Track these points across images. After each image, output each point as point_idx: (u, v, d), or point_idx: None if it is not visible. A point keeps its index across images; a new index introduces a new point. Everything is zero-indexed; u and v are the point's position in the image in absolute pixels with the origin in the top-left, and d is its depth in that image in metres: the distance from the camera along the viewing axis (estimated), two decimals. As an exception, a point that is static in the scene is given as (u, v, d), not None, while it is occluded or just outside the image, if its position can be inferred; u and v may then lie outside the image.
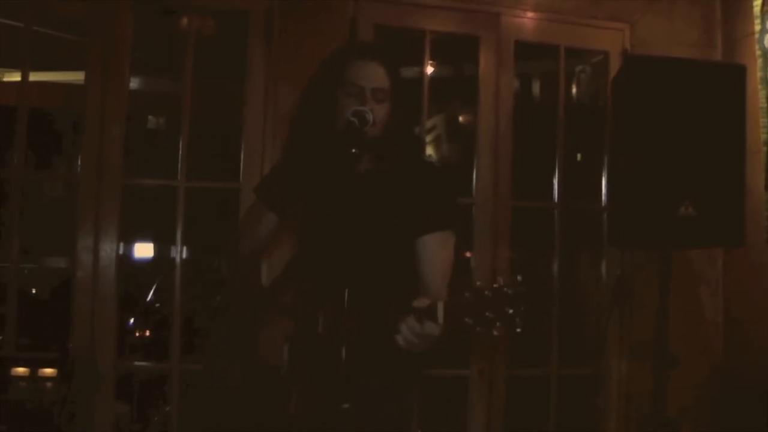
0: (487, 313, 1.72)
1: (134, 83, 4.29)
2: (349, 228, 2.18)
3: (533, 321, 1.77)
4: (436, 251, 2.26)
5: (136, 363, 4.29)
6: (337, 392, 2.05)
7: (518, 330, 1.73)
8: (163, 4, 4.01)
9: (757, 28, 3.80)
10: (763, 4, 3.77)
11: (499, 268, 3.90)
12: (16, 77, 4.15)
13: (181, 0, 3.85)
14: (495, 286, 1.73)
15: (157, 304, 5.30)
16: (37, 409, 3.34)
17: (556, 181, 4.09)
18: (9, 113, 3.64)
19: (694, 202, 3.30)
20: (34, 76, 3.69)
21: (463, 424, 3.94)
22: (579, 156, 4.71)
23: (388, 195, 2.29)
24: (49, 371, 3.42)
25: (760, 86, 3.76)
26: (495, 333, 1.72)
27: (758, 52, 3.79)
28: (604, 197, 4.15)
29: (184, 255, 3.76)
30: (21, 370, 3.38)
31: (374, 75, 2.32)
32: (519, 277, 1.75)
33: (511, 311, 1.71)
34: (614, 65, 4.09)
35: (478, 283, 1.78)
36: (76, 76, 4.19)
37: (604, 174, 4.15)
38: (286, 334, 2.14)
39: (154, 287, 5.39)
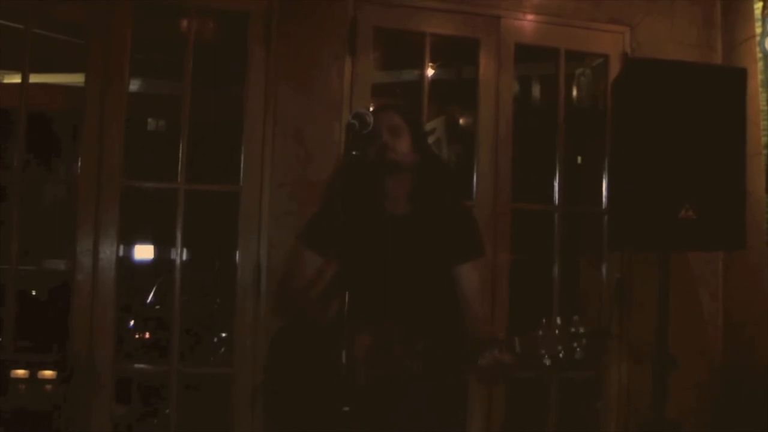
0: (558, 348, 2.15)
1: (134, 85, 4.29)
2: (391, 264, 2.53)
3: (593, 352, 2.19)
4: (472, 277, 2.64)
5: (136, 365, 4.28)
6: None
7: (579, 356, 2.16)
8: (163, 7, 4.01)
9: (758, 31, 3.80)
10: (763, 8, 3.77)
11: (499, 271, 3.91)
12: (16, 79, 4.15)
13: (180, 2, 3.85)
14: (559, 323, 2.16)
15: (157, 306, 5.30)
16: (36, 412, 3.34)
17: (556, 184, 4.09)
18: (9, 115, 3.64)
19: (694, 204, 3.30)
20: (34, 78, 3.69)
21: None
22: (579, 159, 4.71)
23: (423, 233, 2.60)
24: (48, 373, 3.42)
25: (760, 89, 3.76)
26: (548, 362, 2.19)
27: (759, 55, 3.79)
28: (604, 200, 4.14)
29: (184, 257, 3.76)
30: (20, 373, 3.38)
31: (388, 117, 2.64)
32: (576, 317, 2.16)
33: (575, 346, 2.14)
34: (614, 68, 4.09)
35: (544, 320, 2.19)
36: (76, 79, 4.19)
37: (604, 177, 4.14)
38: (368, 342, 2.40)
39: (153, 289, 5.40)
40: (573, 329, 2.14)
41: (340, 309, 2.32)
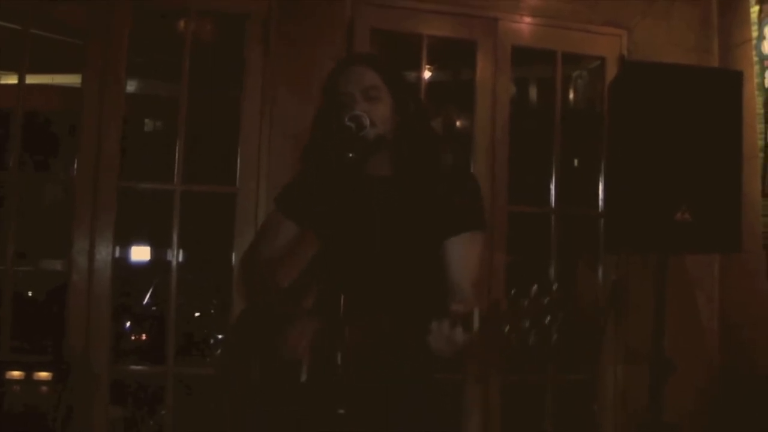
0: (525, 323, 1.68)
1: (131, 86, 4.29)
2: (373, 234, 2.18)
3: (569, 329, 1.71)
4: (463, 252, 2.22)
5: (132, 367, 4.28)
6: (352, 394, 2.04)
7: (554, 338, 1.68)
8: (161, 8, 4.00)
9: (755, 34, 3.80)
10: (760, 11, 3.77)
11: (495, 273, 3.90)
12: (12, 80, 4.14)
13: (178, 3, 3.85)
14: (531, 295, 1.69)
15: (153, 308, 5.30)
16: (31, 413, 3.33)
17: (552, 186, 4.09)
18: (5, 116, 3.64)
19: (690, 207, 3.30)
20: (31, 79, 3.69)
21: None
22: (576, 161, 4.71)
23: (409, 199, 2.25)
24: (43, 375, 3.41)
25: (756, 92, 3.76)
26: (530, 343, 1.68)
27: (755, 59, 3.79)
28: (600, 202, 4.14)
29: (181, 258, 3.76)
30: (15, 374, 3.37)
31: (360, 76, 2.27)
32: (555, 286, 1.72)
33: (548, 320, 1.67)
34: (611, 71, 4.10)
35: (513, 291, 1.73)
36: (73, 79, 4.19)
37: (600, 179, 4.15)
38: (310, 335, 2.10)
39: (150, 290, 5.39)
40: (547, 300, 1.67)
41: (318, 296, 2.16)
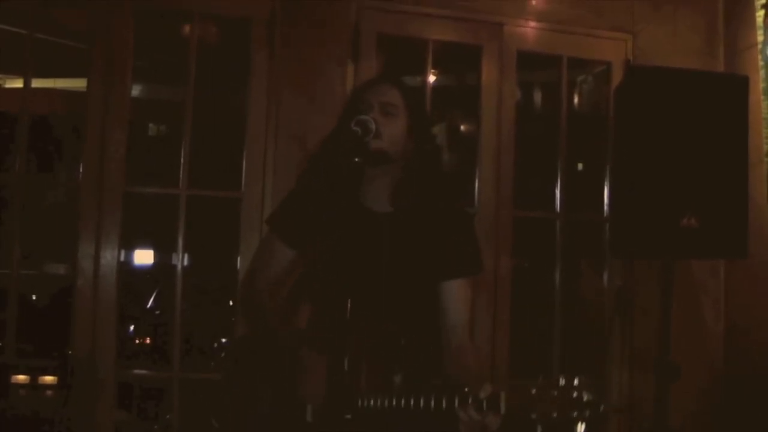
0: (553, 414, 1.65)
1: (136, 90, 4.28)
2: (368, 266, 2.17)
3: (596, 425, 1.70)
4: (461, 296, 2.23)
5: (137, 371, 4.27)
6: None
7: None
8: (166, 12, 4.01)
9: (760, 39, 3.80)
10: (766, 16, 3.77)
11: (501, 280, 3.90)
12: (18, 84, 4.15)
13: (183, 7, 3.85)
14: (561, 385, 1.65)
15: (158, 311, 5.29)
16: (37, 417, 3.33)
17: (558, 191, 4.09)
18: (11, 120, 3.64)
19: (696, 213, 3.29)
20: (36, 83, 3.69)
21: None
22: (581, 166, 4.70)
23: (408, 237, 2.24)
24: (49, 378, 3.41)
25: (762, 97, 3.76)
26: None
27: (761, 63, 3.79)
28: (606, 207, 4.14)
29: (185, 263, 3.76)
30: (21, 378, 3.37)
31: (383, 91, 2.29)
32: (581, 378, 1.68)
33: (575, 414, 1.66)
34: (617, 75, 4.09)
35: (541, 378, 1.69)
36: (78, 83, 4.19)
37: (606, 184, 4.14)
38: (323, 375, 2.04)
39: (154, 294, 5.39)
40: (575, 394, 1.65)
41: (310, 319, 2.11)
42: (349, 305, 2.02)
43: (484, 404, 1.75)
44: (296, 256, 2.36)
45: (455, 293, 2.23)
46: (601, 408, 1.66)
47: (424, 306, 2.24)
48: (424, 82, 3.97)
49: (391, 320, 2.12)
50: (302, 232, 2.30)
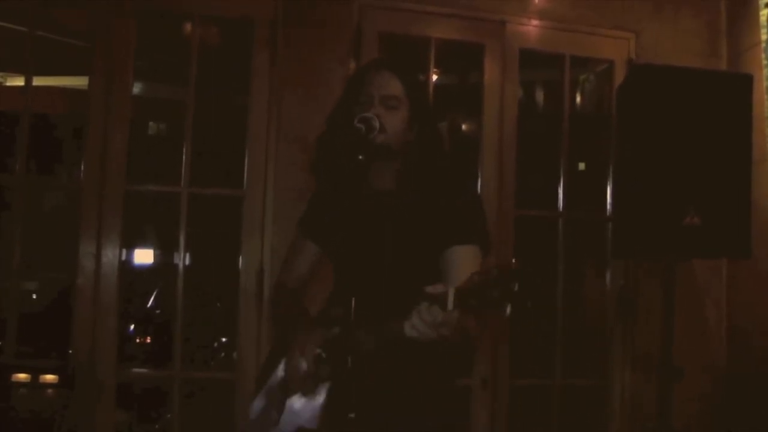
0: (493, 293, 1.65)
1: (137, 89, 4.27)
2: (379, 247, 2.21)
3: (539, 299, 1.72)
4: (462, 262, 2.19)
5: (137, 370, 4.27)
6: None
7: (528, 305, 1.66)
8: (167, 12, 3.99)
9: (764, 37, 3.79)
10: (769, 14, 3.76)
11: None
12: (19, 82, 4.14)
13: (184, 8, 3.84)
14: (499, 264, 1.67)
15: (158, 311, 5.29)
16: (37, 417, 3.32)
17: (560, 190, 4.08)
18: (11, 118, 3.63)
19: (699, 211, 3.28)
20: (37, 81, 3.68)
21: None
22: (583, 165, 4.69)
23: (413, 213, 2.26)
24: (49, 378, 3.40)
25: (765, 96, 3.75)
26: (505, 313, 1.65)
27: (764, 62, 3.78)
28: (608, 206, 4.13)
29: (187, 261, 3.75)
30: (21, 377, 3.36)
31: (384, 82, 2.28)
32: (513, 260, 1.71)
33: (517, 287, 1.65)
34: (619, 74, 4.08)
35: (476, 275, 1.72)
36: (80, 82, 4.18)
37: (608, 183, 4.13)
38: (318, 342, 2.09)
39: (154, 293, 5.39)
40: (511, 268, 1.65)
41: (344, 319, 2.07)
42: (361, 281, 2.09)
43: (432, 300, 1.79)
44: (320, 251, 2.45)
45: (457, 258, 2.21)
46: (515, 287, 1.64)
47: (431, 278, 2.18)
48: (427, 80, 3.96)
49: (402, 295, 2.06)
50: (327, 229, 2.36)
